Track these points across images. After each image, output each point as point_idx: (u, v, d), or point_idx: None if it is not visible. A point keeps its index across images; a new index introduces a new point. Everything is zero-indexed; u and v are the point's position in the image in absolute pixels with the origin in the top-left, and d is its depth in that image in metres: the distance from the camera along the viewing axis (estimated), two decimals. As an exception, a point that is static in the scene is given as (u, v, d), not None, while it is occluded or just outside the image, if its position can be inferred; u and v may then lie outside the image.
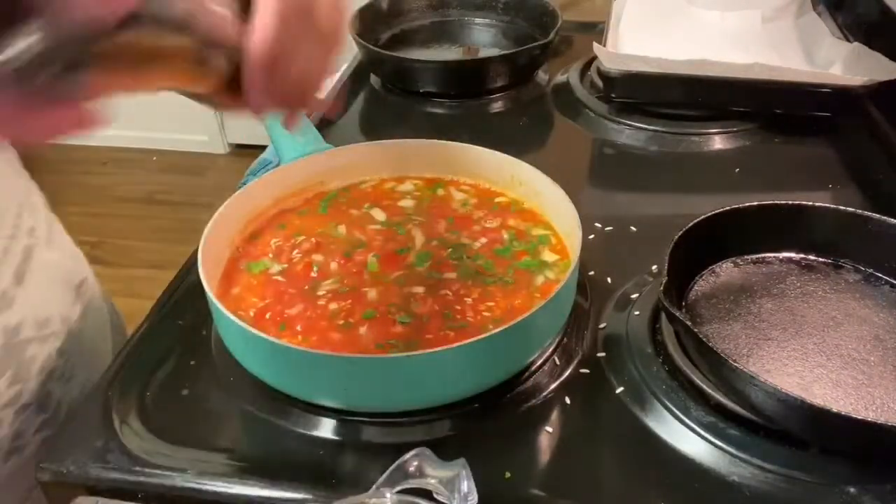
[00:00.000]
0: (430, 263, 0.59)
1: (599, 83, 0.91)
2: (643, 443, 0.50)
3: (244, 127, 2.53)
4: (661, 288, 0.53)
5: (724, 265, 0.62)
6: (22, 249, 0.55)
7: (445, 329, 0.53)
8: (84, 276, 0.65)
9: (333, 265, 0.59)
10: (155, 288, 0.68)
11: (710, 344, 0.48)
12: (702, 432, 0.49)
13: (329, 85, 0.42)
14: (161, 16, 0.35)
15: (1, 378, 0.52)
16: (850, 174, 0.78)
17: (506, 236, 0.62)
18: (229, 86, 0.40)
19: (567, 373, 0.55)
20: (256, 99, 0.40)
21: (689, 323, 0.50)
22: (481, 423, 0.51)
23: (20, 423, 0.55)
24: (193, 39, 0.37)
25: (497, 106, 0.94)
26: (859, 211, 0.60)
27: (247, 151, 2.55)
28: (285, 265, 0.60)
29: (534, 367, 0.55)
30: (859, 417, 0.47)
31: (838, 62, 0.86)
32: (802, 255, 0.63)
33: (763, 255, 0.63)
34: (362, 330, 0.53)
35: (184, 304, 0.62)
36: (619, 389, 0.53)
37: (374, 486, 0.41)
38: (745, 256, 0.63)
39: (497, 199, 0.67)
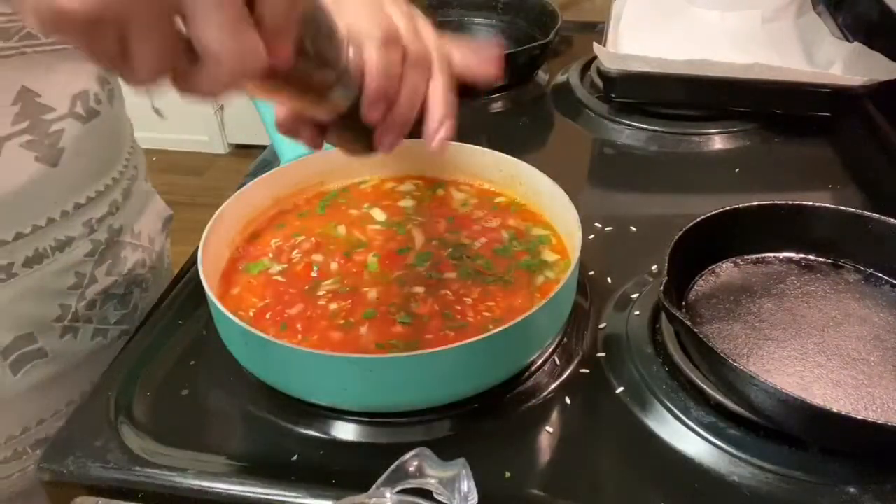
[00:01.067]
0: (430, 263, 0.59)
1: (599, 83, 0.91)
2: (643, 443, 0.50)
3: (244, 127, 2.54)
4: (661, 288, 0.53)
5: (724, 265, 0.62)
6: (130, 176, 0.68)
7: (445, 329, 0.53)
8: (170, 215, 0.78)
9: (333, 265, 0.59)
10: (155, 288, 0.68)
11: (710, 344, 0.48)
12: (702, 432, 0.49)
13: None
14: (320, 55, 0.37)
15: (102, 266, 0.63)
16: (850, 174, 0.78)
17: (506, 236, 0.62)
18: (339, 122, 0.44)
19: (567, 373, 0.55)
20: (382, 134, 0.45)
21: (689, 323, 0.50)
22: (481, 423, 0.51)
23: (107, 310, 0.65)
24: (335, 74, 0.39)
25: (497, 106, 0.94)
26: (859, 211, 0.60)
27: (247, 151, 2.55)
28: (285, 265, 0.60)
29: (534, 367, 0.55)
30: (859, 417, 0.47)
31: (838, 62, 0.86)
32: (802, 255, 0.63)
33: (763, 255, 0.63)
34: (362, 330, 0.53)
35: (184, 304, 0.62)
36: (619, 389, 0.53)
37: (374, 486, 0.41)
38: (745, 256, 0.63)
39: (497, 200, 0.67)
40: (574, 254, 0.55)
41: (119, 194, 0.65)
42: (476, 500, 0.41)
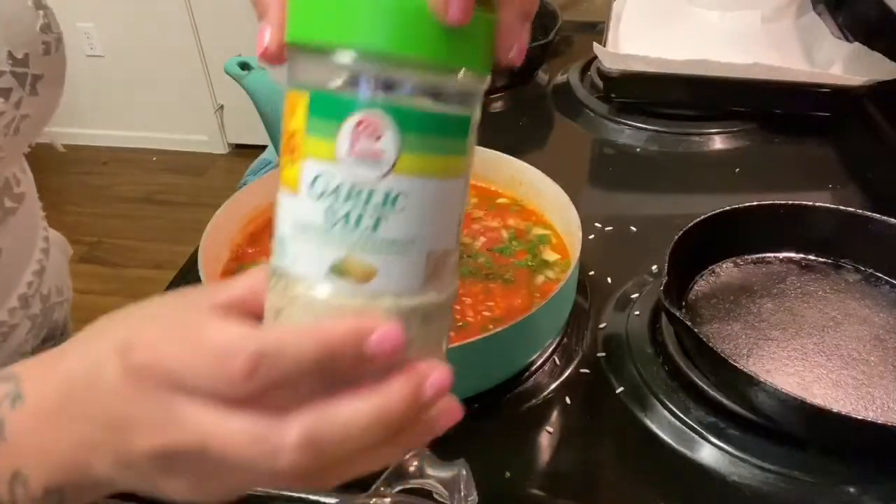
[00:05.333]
0: (430, 263, 0.59)
1: (599, 83, 0.91)
2: (643, 443, 0.50)
3: (244, 127, 2.54)
4: (661, 288, 0.53)
5: (724, 265, 0.62)
6: (43, 228, 0.62)
7: (445, 329, 0.53)
8: (68, 248, 0.72)
9: (333, 265, 0.59)
10: (155, 288, 0.68)
11: (710, 344, 0.48)
12: (702, 432, 0.49)
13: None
14: None
15: (40, 334, 0.60)
16: (850, 174, 0.78)
17: (506, 236, 0.62)
18: None
19: (567, 373, 0.55)
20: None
21: (689, 323, 0.50)
22: (481, 423, 0.51)
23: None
24: None
25: (497, 106, 0.94)
26: (859, 211, 0.60)
27: (247, 151, 2.55)
28: (285, 265, 0.59)
29: (534, 367, 0.55)
30: (859, 417, 0.47)
31: (838, 62, 0.86)
32: (802, 255, 0.63)
33: (763, 255, 0.63)
34: (362, 330, 0.53)
35: (184, 304, 0.62)
36: (619, 389, 0.53)
37: (374, 486, 0.41)
38: (745, 256, 0.63)
39: (497, 200, 0.67)
40: (574, 254, 0.55)
41: (41, 255, 0.60)
42: (476, 500, 0.41)
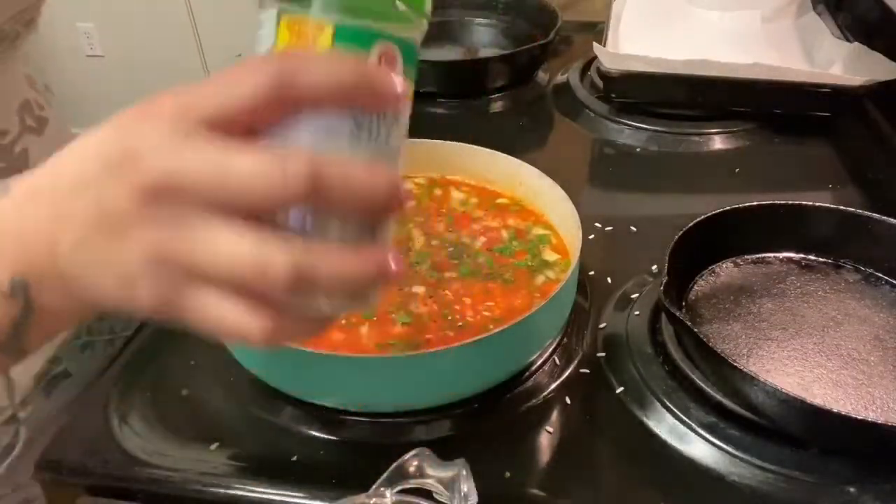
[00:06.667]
0: (429, 263, 0.59)
1: (599, 83, 0.91)
2: (643, 443, 0.50)
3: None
4: (661, 288, 0.53)
5: (724, 265, 0.62)
6: None
7: (445, 329, 0.53)
8: None
9: (333, 265, 0.59)
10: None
11: (710, 344, 0.48)
12: (702, 432, 0.49)
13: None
14: None
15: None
16: (850, 174, 0.78)
17: (506, 236, 0.62)
18: None
19: (567, 373, 0.55)
20: None
21: (689, 323, 0.50)
22: (481, 423, 0.51)
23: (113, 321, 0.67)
24: None
25: (497, 106, 0.94)
26: (859, 211, 0.60)
27: (247, 151, 2.54)
28: (285, 265, 0.60)
29: (534, 367, 0.55)
30: (859, 417, 0.47)
31: (838, 62, 0.86)
32: (802, 255, 0.63)
33: (763, 255, 0.63)
34: (362, 330, 0.53)
35: (184, 304, 0.62)
36: (619, 389, 0.53)
37: (374, 486, 0.41)
38: (745, 256, 0.63)
39: (497, 200, 0.67)
40: (574, 254, 0.55)
41: None
42: (476, 500, 0.41)
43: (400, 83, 0.29)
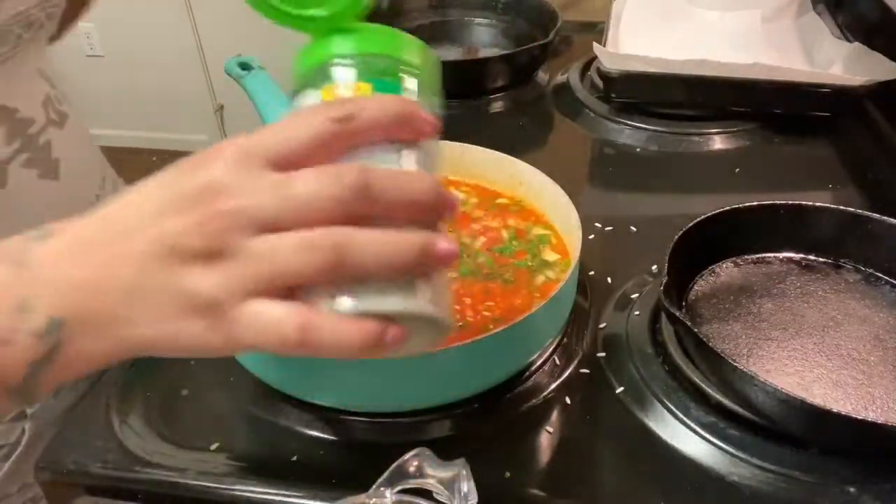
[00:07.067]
0: (430, 263, 0.59)
1: (599, 83, 0.91)
2: (643, 443, 0.50)
3: (244, 127, 2.53)
4: (661, 288, 0.53)
5: (724, 265, 0.62)
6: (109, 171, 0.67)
7: (445, 329, 0.53)
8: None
9: (333, 265, 0.59)
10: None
11: (710, 344, 0.48)
12: (702, 432, 0.49)
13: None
14: None
15: None
16: (850, 174, 0.78)
17: (506, 236, 0.62)
18: None
19: (567, 373, 0.55)
20: None
21: (689, 323, 0.50)
22: (481, 423, 0.51)
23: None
24: None
25: (497, 106, 0.94)
26: (859, 211, 0.60)
27: (247, 151, 2.54)
28: (285, 265, 0.59)
29: (534, 367, 0.55)
30: (859, 417, 0.47)
31: (838, 62, 0.86)
32: (802, 255, 0.63)
33: (763, 255, 0.63)
34: (362, 330, 0.53)
35: (184, 304, 0.62)
36: (619, 389, 0.53)
37: (374, 486, 0.41)
38: (745, 256, 0.63)
39: (497, 200, 0.66)
40: (574, 254, 0.55)
41: (109, 189, 0.64)
42: (476, 500, 0.41)
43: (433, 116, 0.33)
